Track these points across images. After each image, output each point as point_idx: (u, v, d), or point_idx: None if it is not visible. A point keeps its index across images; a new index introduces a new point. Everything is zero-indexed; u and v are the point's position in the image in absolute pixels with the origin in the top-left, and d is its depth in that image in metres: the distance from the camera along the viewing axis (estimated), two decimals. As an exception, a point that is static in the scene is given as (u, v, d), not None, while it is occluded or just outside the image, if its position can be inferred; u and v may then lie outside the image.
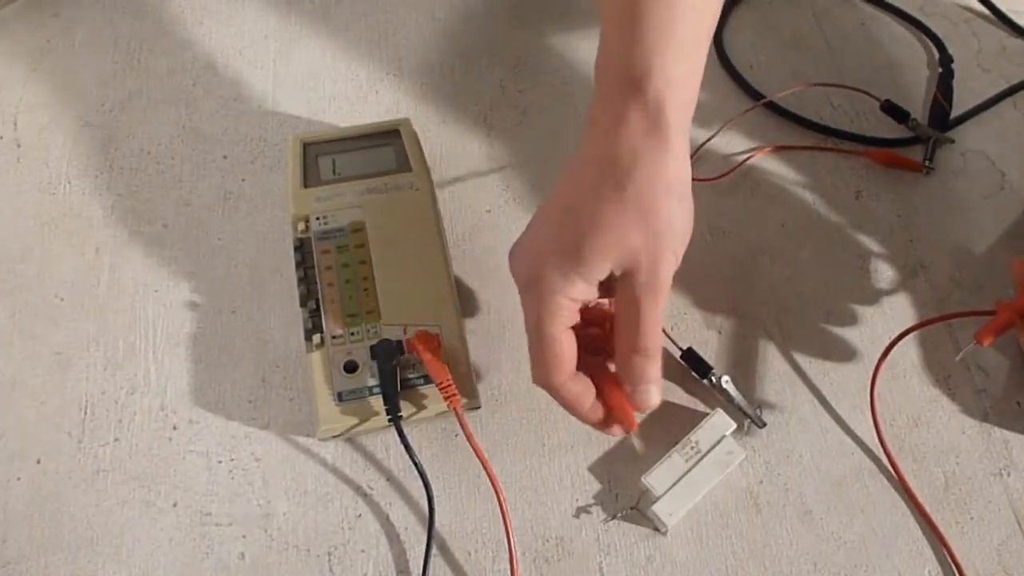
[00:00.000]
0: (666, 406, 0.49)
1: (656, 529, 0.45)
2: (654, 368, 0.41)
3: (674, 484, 0.45)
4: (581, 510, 0.46)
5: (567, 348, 0.41)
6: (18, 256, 0.54)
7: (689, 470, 0.46)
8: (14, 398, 0.49)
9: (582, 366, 0.42)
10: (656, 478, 0.45)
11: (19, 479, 0.46)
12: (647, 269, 0.39)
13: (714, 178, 0.57)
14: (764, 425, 0.48)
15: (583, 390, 0.42)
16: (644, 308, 0.39)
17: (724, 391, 0.48)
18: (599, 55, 0.42)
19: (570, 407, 0.42)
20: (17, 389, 0.49)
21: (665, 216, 0.39)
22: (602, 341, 0.44)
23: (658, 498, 0.45)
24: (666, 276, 0.39)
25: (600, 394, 0.42)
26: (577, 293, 0.40)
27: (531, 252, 0.41)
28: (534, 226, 0.42)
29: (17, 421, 0.48)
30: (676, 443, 0.46)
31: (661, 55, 0.38)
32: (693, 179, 0.57)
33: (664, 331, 0.50)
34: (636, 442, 0.48)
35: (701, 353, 0.49)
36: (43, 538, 0.45)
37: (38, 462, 0.47)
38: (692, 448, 0.46)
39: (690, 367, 0.49)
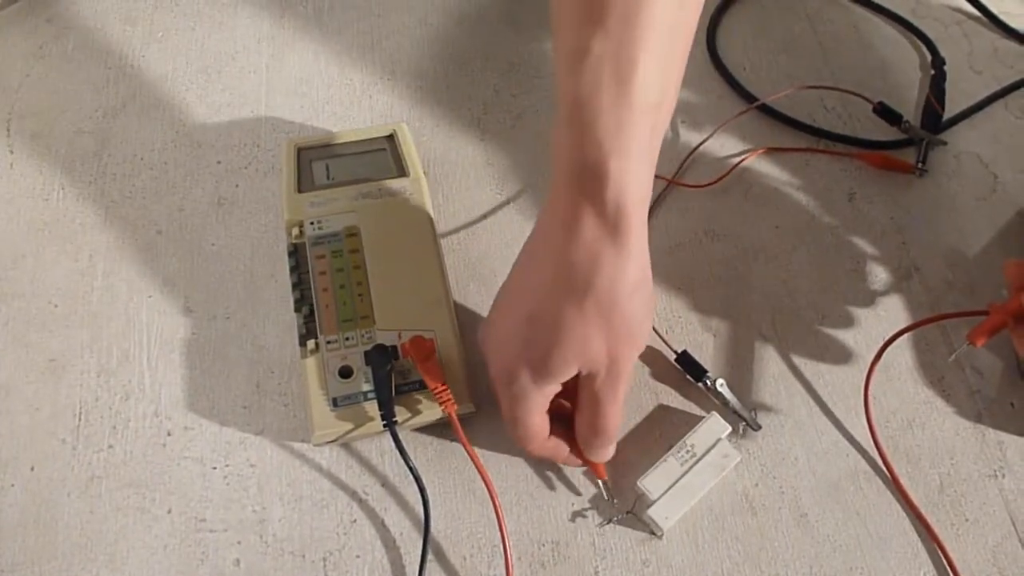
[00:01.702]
0: (661, 410, 0.49)
1: (652, 533, 0.45)
2: (609, 443, 0.45)
3: (670, 488, 0.45)
4: (577, 514, 0.46)
5: (540, 426, 0.44)
6: (11, 263, 0.53)
7: (684, 474, 0.46)
8: (8, 405, 0.49)
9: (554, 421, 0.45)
10: (652, 482, 0.45)
11: (13, 486, 0.46)
12: (607, 369, 0.42)
13: (707, 184, 0.57)
14: (759, 428, 0.48)
15: (555, 446, 0.45)
16: (603, 401, 0.43)
17: (719, 394, 0.48)
18: (555, 144, 0.40)
19: (547, 460, 0.47)
20: (11, 396, 0.49)
21: (625, 319, 0.41)
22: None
23: (654, 502, 0.45)
24: (625, 371, 0.42)
25: (572, 446, 0.46)
26: (546, 394, 0.43)
27: (502, 354, 0.44)
28: (501, 320, 0.44)
29: (11, 428, 0.48)
30: (671, 447, 0.46)
31: (618, 157, 0.37)
32: (686, 185, 0.57)
33: (659, 335, 0.50)
34: (632, 446, 0.48)
35: (696, 356, 0.49)
36: (37, 546, 0.45)
37: (32, 469, 0.47)
38: (687, 452, 0.46)
39: (685, 370, 0.49)
